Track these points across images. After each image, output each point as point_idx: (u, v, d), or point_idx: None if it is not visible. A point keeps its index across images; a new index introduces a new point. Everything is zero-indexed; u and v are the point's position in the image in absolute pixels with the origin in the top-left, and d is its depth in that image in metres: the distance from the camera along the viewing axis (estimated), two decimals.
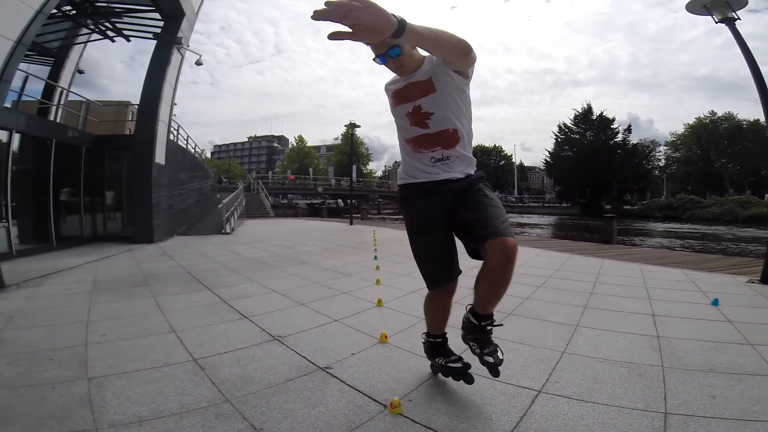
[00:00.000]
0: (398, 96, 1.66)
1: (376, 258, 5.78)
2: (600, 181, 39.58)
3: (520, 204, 49.83)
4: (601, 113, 42.78)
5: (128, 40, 10.82)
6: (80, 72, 11.91)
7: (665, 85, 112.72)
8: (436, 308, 1.91)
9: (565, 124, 44.63)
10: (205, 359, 2.30)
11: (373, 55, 1.47)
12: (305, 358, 2.30)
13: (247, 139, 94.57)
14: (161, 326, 2.93)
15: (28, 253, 6.72)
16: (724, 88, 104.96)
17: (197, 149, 15.96)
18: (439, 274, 1.80)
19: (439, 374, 1.98)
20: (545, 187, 71.45)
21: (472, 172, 1.69)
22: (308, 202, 43.11)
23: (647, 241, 16.68)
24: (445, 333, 1.96)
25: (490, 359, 1.61)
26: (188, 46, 10.60)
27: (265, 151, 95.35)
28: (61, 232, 7.99)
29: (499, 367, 1.63)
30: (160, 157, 9.00)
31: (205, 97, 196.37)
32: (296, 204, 49.35)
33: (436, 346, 1.96)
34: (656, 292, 3.88)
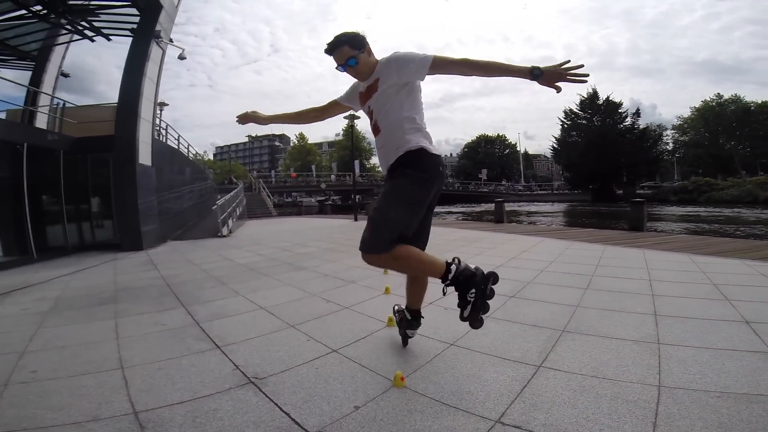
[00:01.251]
0: (361, 97, 1.97)
1: None
2: (610, 166, 38.52)
3: (528, 192, 48.76)
4: (608, 98, 41.61)
5: (108, 39, 10.17)
6: (65, 75, 11.33)
7: (666, 70, 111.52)
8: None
9: (571, 110, 43.47)
10: (150, 413, 1.67)
11: (335, 65, 1.83)
12: (288, 415, 1.61)
13: (247, 139, 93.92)
14: (108, 360, 2.28)
15: (4, 266, 6.13)
16: (726, 71, 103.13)
17: (191, 149, 15.26)
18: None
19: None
20: (552, 175, 70.28)
21: (401, 153, 1.79)
22: (318, 199, 42.66)
23: (672, 226, 15.74)
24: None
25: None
26: (170, 40, 9.95)
27: (267, 150, 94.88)
28: (43, 243, 7.39)
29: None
30: (144, 157, 8.35)
31: (205, 100, 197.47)
32: (300, 202, 49.03)
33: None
34: (729, 291, 3.14)
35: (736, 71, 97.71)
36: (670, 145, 48.30)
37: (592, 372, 1.91)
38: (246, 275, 4.58)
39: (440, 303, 3.05)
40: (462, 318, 1.82)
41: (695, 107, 45.76)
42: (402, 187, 1.75)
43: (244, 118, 2.38)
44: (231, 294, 3.72)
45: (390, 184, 1.81)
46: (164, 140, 11.02)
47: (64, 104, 9.61)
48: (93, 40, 10.17)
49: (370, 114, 1.92)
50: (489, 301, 1.82)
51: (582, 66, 1.65)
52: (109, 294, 4.02)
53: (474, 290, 1.77)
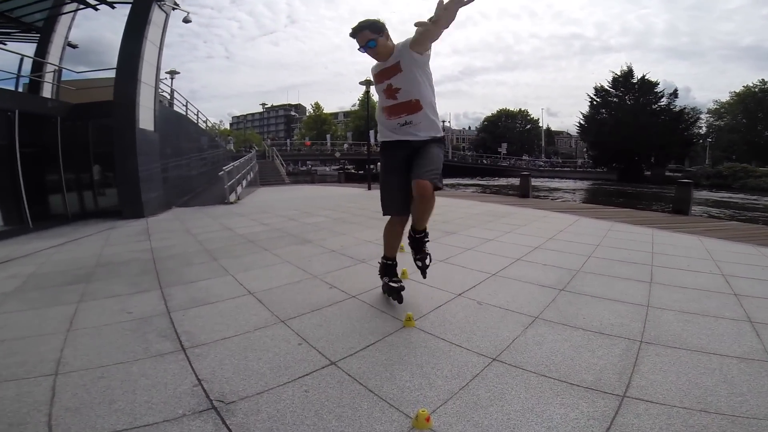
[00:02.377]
0: (377, 77, 2.21)
1: None
2: (641, 146, 36.39)
3: (549, 168, 47.04)
4: (643, 76, 38.84)
5: (113, 7, 9.45)
6: (72, 46, 10.73)
7: (705, 53, 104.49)
8: (390, 233, 2.40)
9: (602, 87, 40.94)
10: None
11: (358, 47, 2.12)
12: None
13: (263, 109, 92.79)
14: (45, 361, 1.82)
15: None
16: None
17: (201, 116, 14.63)
18: (390, 205, 2.31)
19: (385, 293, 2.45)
20: (576, 152, 67.71)
21: (436, 135, 2.21)
22: (334, 168, 41.96)
23: (711, 211, 14.53)
24: (395, 258, 2.43)
25: (419, 263, 2.35)
26: (175, 3, 9.24)
27: (283, 120, 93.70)
28: (41, 212, 7.05)
29: (427, 270, 2.37)
30: (146, 122, 7.80)
31: (222, 71, 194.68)
32: (315, 171, 48.51)
33: (387, 267, 2.42)
34: None
35: None
36: (704, 129, 45.68)
37: (698, 403, 1.33)
38: (242, 248, 4.03)
39: (472, 296, 2.46)
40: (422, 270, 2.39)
41: (735, 92, 43.15)
42: (440, 154, 2.21)
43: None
44: (219, 272, 3.18)
45: (434, 150, 2.18)
46: (171, 106, 10.43)
47: (60, 71, 9.07)
48: (97, 9, 9.49)
49: (390, 90, 2.15)
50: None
51: None
52: (87, 270, 3.54)
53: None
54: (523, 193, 9.78)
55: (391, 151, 2.23)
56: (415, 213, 2.21)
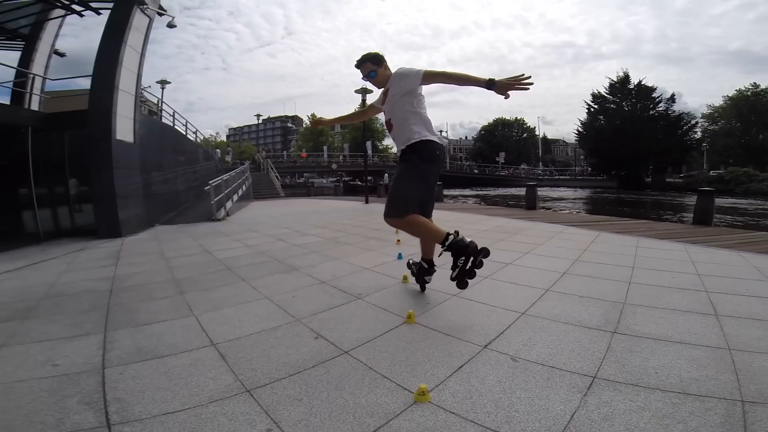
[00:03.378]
0: (380, 102, 2.66)
1: (400, 257, 3.85)
2: (641, 152, 36.16)
3: (548, 177, 46.71)
4: (640, 82, 38.90)
5: (98, 13, 9.01)
6: (59, 54, 10.26)
7: (694, 59, 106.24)
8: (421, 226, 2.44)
9: (600, 93, 40.91)
10: None
11: (362, 76, 2.57)
12: None
13: (260, 121, 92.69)
14: None
15: None
16: (759, 62, 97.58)
17: (190, 127, 14.09)
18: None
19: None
20: (574, 160, 67.68)
21: (405, 145, 2.40)
22: (331, 180, 41.29)
23: (723, 218, 13.96)
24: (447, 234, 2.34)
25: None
26: (160, 8, 8.83)
27: (280, 131, 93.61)
28: (8, 231, 6.46)
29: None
30: (125, 133, 7.24)
31: (219, 83, 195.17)
32: (311, 183, 47.90)
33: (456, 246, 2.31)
34: None
35: None
36: (698, 133, 45.70)
37: None
38: (217, 278, 3.43)
39: (502, 348, 1.86)
40: (451, 278, 2.28)
41: (728, 96, 43.38)
42: (409, 169, 2.39)
43: (316, 123, 3.36)
44: (181, 311, 2.58)
45: (401, 166, 2.44)
46: (159, 117, 9.90)
47: (33, 79, 8.57)
48: (82, 15, 9.06)
49: (386, 114, 2.57)
50: (477, 270, 2.29)
51: (530, 77, 2.11)
52: (29, 303, 2.93)
53: (464, 257, 2.23)
54: (530, 204, 9.25)
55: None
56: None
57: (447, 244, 2.25)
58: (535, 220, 6.79)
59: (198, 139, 16.25)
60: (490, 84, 2.15)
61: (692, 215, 7.29)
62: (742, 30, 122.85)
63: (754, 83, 41.15)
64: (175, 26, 9.49)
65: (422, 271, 2.77)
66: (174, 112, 11.56)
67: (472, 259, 2.21)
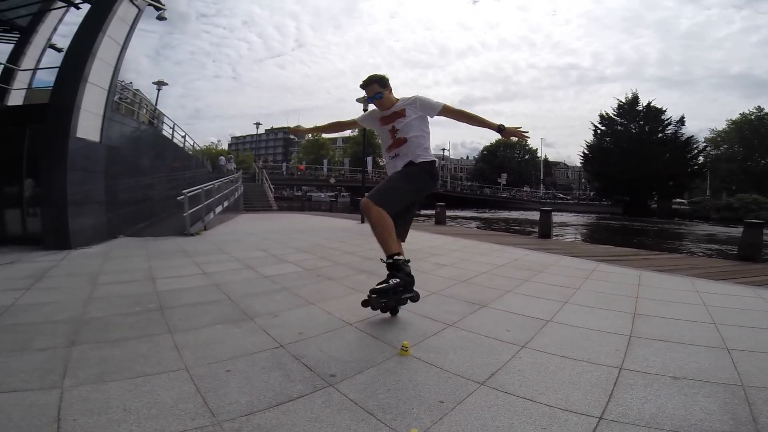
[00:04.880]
0: (382, 120, 2.67)
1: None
2: (648, 177, 35.23)
3: (551, 201, 45.91)
4: (649, 103, 38.24)
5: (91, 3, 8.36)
6: (56, 49, 9.52)
7: (696, 82, 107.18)
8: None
9: (608, 114, 40.30)
10: None
11: (367, 97, 2.65)
12: None
13: (263, 131, 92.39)
14: None
15: None
16: (760, 86, 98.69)
17: (178, 131, 13.11)
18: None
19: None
20: (578, 183, 67.07)
21: (408, 161, 2.55)
22: (328, 194, 40.33)
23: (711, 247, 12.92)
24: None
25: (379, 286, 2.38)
26: (158, 1, 8.14)
27: (282, 143, 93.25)
28: None
29: (380, 304, 2.32)
30: (89, 131, 6.34)
31: (228, 91, 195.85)
32: (309, 197, 46.92)
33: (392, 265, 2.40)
34: None
35: None
36: (701, 158, 45.15)
37: None
38: (135, 323, 2.42)
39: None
40: (371, 289, 2.30)
41: (731, 120, 42.53)
42: (412, 177, 2.54)
43: (293, 131, 3.44)
44: (47, 379, 1.60)
45: (404, 171, 2.55)
46: (136, 116, 9.02)
47: (15, 72, 7.79)
48: (78, 8, 8.36)
49: (393, 131, 2.61)
50: (399, 307, 2.52)
51: (528, 131, 2.61)
52: None
53: (398, 281, 2.30)
54: (544, 232, 8.27)
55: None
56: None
57: (393, 260, 2.34)
58: (555, 252, 5.81)
59: (188, 145, 15.23)
60: (500, 129, 2.56)
61: (718, 247, 6.42)
62: (745, 53, 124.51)
63: (758, 107, 40.26)
64: (165, 19, 8.64)
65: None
66: (155, 109, 10.62)
67: (401, 289, 2.33)
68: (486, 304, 3.00)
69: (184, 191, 7.33)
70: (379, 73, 2.62)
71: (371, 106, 2.83)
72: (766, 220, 23.95)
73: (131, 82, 12.22)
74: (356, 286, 3.43)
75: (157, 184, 9.73)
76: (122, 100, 9.11)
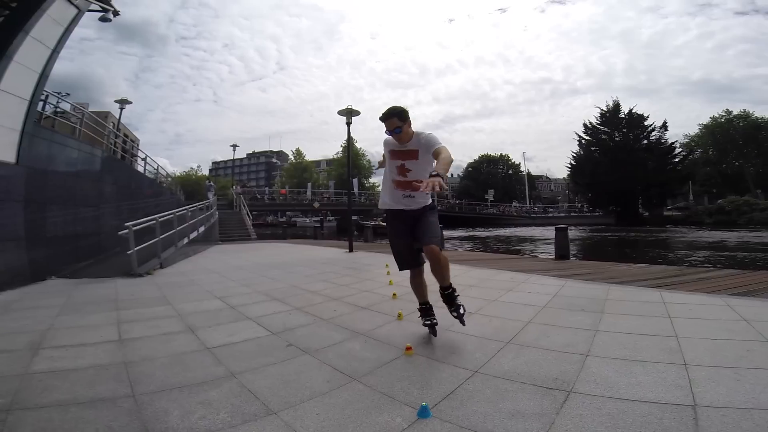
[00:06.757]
0: (394, 153, 2.65)
1: (425, 413, 1.60)
2: (638, 184, 35.04)
3: (542, 215, 45.34)
4: (630, 110, 38.52)
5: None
6: None
7: (662, 90, 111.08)
8: (416, 285, 2.75)
9: (591, 124, 40.38)
10: None
11: (385, 129, 2.57)
12: None
13: (245, 155, 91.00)
14: None
15: None
16: (720, 90, 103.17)
17: (140, 152, 11.74)
18: (403, 262, 2.73)
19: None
20: (557, 196, 67.16)
21: (427, 203, 2.68)
22: (314, 219, 38.83)
23: (759, 256, 11.89)
24: (428, 302, 2.75)
25: (455, 314, 2.59)
26: (107, 4, 7.11)
27: (264, 167, 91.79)
28: None
29: (464, 318, 2.61)
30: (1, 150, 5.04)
31: (209, 115, 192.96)
32: (294, 222, 45.24)
33: (423, 310, 2.74)
34: None
35: (730, 90, 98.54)
36: (685, 163, 45.62)
37: None
38: None
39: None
40: (461, 318, 2.63)
41: (703, 124, 43.09)
42: (436, 221, 2.68)
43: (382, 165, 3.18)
44: None
45: (432, 214, 2.69)
46: (77, 135, 7.67)
47: None
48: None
49: (402, 169, 2.61)
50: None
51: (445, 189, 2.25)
52: None
53: (463, 311, 2.62)
54: (562, 253, 7.14)
55: (396, 219, 2.72)
56: (434, 274, 2.54)
57: (450, 291, 2.59)
58: (593, 280, 4.64)
59: (151, 168, 13.65)
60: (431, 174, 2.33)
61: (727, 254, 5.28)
62: (703, 59, 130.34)
63: (727, 110, 41.20)
64: (110, 20, 7.42)
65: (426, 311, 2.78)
66: (117, 124, 9.27)
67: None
68: (570, 386, 1.78)
69: (127, 224, 5.93)
70: (399, 105, 2.56)
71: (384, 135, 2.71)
72: (760, 221, 23.28)
73: (68, 94, 10.84)
74: (347, 368, 2.14)
75: (107, 214, 8.28)
76: (57, 115, 7.76)
